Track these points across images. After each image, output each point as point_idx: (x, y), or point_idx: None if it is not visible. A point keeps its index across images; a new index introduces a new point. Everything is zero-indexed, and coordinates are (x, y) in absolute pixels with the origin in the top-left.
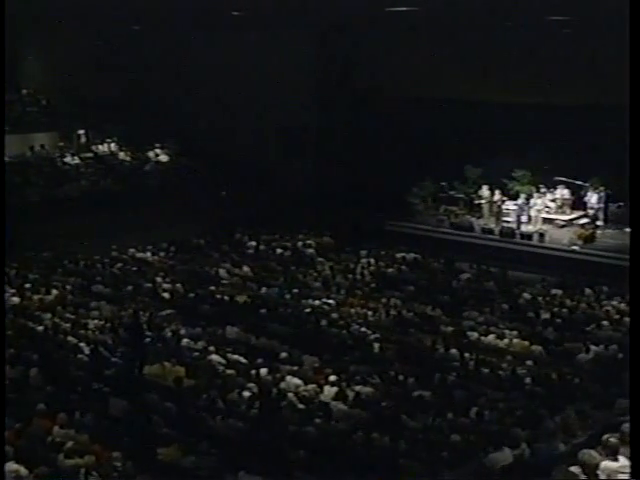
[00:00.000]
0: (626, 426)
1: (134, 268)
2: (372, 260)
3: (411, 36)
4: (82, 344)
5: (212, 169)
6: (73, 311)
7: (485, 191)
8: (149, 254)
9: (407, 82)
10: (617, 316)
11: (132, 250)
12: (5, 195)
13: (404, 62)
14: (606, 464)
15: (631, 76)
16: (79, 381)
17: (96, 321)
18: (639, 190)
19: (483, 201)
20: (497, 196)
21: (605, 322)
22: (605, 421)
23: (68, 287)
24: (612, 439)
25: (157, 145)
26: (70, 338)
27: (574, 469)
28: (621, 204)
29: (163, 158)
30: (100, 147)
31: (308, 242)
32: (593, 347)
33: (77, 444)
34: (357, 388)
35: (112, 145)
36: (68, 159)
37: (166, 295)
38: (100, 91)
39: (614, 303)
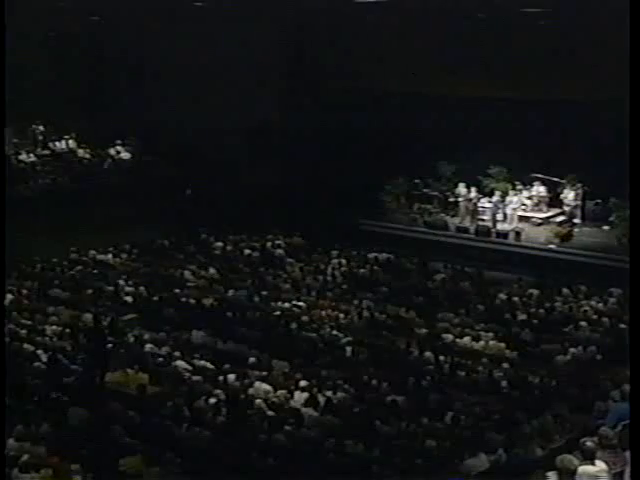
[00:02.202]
0: (604, 429)
1: (94, 271)
2: (343, 261)
3: (380, 30)
4: (39, 351)
5: (176, 167)
6: (29, 317)
7: (462, 189)
8: (110, 256)
9: (378, 78)
10: (595, 316)
11: (92, 252)
12: (5, 194)
13: (374, 57)
14: (584, 468)
15: (631, 75)
16: (36, 390)
17: (54, 327)
18: (639, 190)
19: (460, 199)
20: (473, 194)
21: (583, 323)
22: (583, 425)
23: (24, 291)
24: (589, 443)
25: (118, 142)
26: (26, 345)
27: (551, 474)
28: (598, 201)
29: (125, 155)
30: (58, 144)
31: (277, 242)
32: (571, 349)
33: (33, 457)
34: (328, 393)
35: (70, 142)
36: (23, 157)
37: (129, 299)
38: (57, 85)
39: (592, 303)
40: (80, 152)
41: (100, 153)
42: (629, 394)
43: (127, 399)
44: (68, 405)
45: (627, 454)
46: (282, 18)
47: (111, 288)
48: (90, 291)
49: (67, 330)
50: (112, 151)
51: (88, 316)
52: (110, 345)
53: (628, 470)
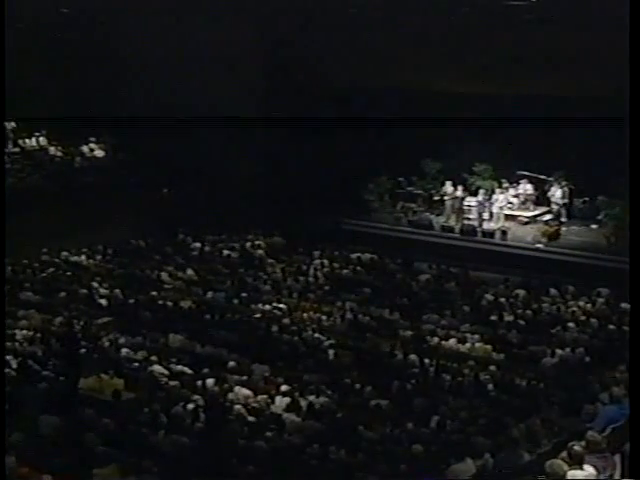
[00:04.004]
0: (592, 434)
1: (67, 273)
2: (326, 261)
3: (362, 21)
4: (9, 357)
5: (152, 165)
6: None
7: (449, 187)
8: (84, 257)
9: (361, 71)
10: (583, 317)
11: (65, 253)
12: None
13: (358, 51)
14: (573, 473)
15: (631, 75)
16: (6, 397)
17: (24, 331)
18: (639, 190)
19: (447, 198)
20: (459, 192)
21: (571, 324)
22: (571, 428)
23: None
24: (577, 447)
25: (91, 139)
26: None
27: None
28: (586, 199)
29: (98, 153)
30: (27, 141)
31: (257, 242)
32: (558, 350)
33: (3, 467)
34: (311, 398)
35: (41, 139)
36: None
37: (103, 301)
38: (26, 78)
39: (580, 304)
40: (51, 149)
41: (73, 151)
42: (629, 394)
43: (101, 405)
44: (39, 413)
45: (616, 458)
46: (263, 10)
47: (85, 291)
48: (63, 294)
49: (38, 335)
50: (85, 148)
51: (60, 320)
52: (83, 350)
53: (617, 474)
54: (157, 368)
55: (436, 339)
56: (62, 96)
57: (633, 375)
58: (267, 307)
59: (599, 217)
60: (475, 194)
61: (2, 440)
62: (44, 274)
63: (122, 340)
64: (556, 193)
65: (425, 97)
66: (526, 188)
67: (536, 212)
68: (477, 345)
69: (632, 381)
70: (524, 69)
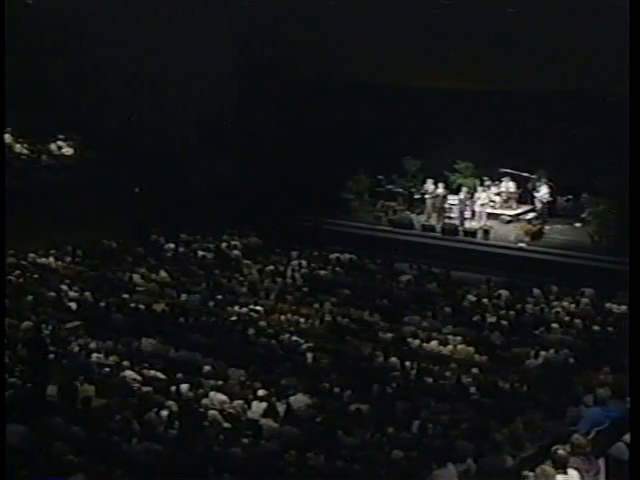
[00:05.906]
0: (577, 437)
1: (35, 275)
2: (304, 262)
3: (343, 17)
4: None
5: (124, 163)
6: None
7: (430, 185)
8: (52, 259)
9: (339, 68)
10: (567, 318)
11: (32, 255)
12: (5, 195)
13: (336, 45)
14: (559, 478)
15: (631, 75)
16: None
17: None
18: (639, 190)
19: (427, 196)
20: (440, 190)
21: (555, 324)
22: (555, 431)
23: None
24: (561, 451)
25: (60, 137)
26: None
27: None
28: (570, 197)
29: (67, 151)
30: None
31: (233, 243)
32: (542, 352)
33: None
34: (289, 401)
35: (6, 136)
36: None
37: (72, 305)
38: None
39: (564, 304)
40: (17, 147)
41: (40, 149)
42: (630, 394)
43: (71, 413)
44: (5, 422)
45: (600, 461)
46: (239, 5)
47: (53, 294)
48: (30, 297)
49: (4, 340)
50: (53, 146)
51: (28, 325)
52: (52, 355)
53: (602, 477)
54: (129, 373)
55: (417, 341)
56: (28, 90)
57: (633, 375)
58: (243, 309)
59: (583, 215)
60: (457, 192)
61: (2, 440)
62: (10, 277)
63: (92, 345)
64: (539, 191)
65: (405, 92)
66: (508, 186)
67: (519, 210)
68: (459, 347)
69: (632, 381)
70: (506, 63)
